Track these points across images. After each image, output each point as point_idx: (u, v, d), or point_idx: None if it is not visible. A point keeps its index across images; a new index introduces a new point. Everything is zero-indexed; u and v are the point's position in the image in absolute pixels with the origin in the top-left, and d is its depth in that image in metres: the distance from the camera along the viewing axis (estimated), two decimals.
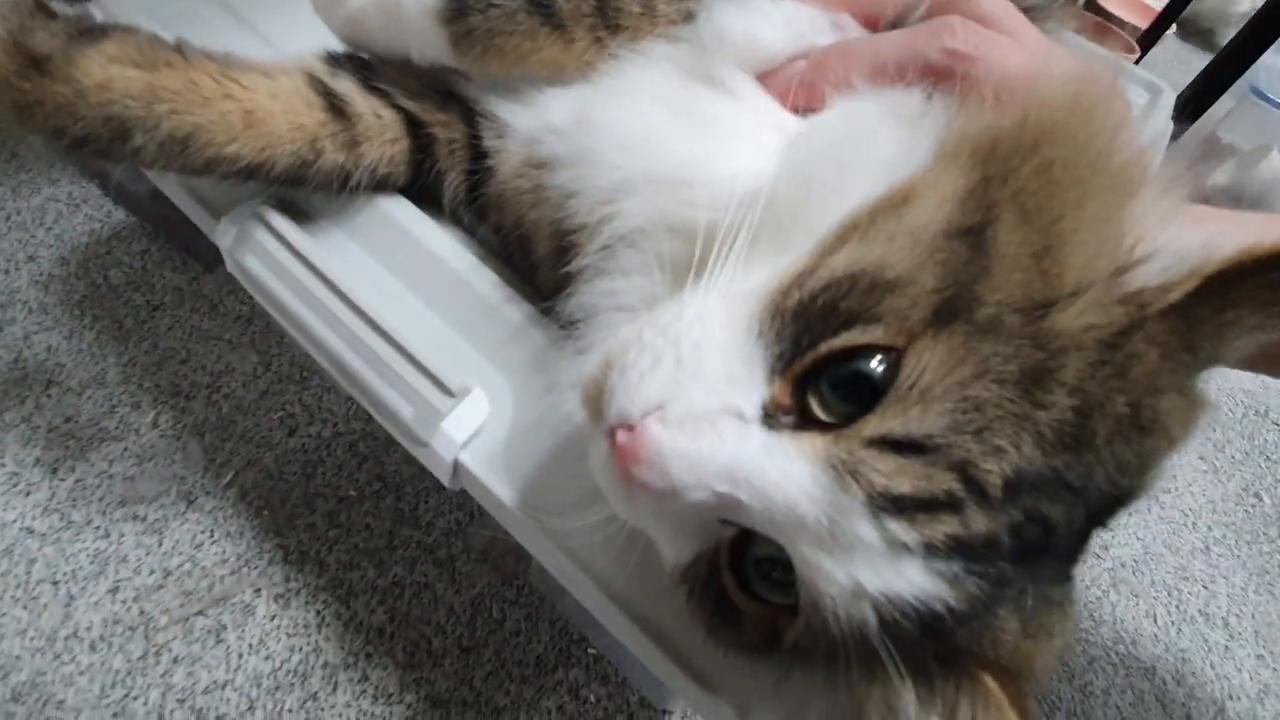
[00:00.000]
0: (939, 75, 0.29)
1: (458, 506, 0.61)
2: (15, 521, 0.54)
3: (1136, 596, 0.75)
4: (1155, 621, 0.73)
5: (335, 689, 0.52)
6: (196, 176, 0.34)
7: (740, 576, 0.27)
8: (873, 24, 0.32)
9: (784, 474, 0.23)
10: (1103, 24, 1.42)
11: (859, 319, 0.23)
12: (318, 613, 0.54)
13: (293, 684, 0.51)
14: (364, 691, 0.52)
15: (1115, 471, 0.23)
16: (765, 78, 0.31)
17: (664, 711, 0.57)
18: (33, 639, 0.50)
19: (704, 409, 0.23)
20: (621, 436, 0.23)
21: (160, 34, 0.32)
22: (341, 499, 0.60)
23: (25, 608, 0.51)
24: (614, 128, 0.29)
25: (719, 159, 0.28)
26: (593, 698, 0.55)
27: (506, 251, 0.38)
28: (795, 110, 0.30)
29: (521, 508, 0.34)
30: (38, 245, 0.68)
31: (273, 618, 0.53)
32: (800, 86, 0.30)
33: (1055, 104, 0.25)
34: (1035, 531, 0.23)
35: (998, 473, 0.22)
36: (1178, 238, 0.25)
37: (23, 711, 0.47)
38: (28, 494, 0.55)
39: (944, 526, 0.22)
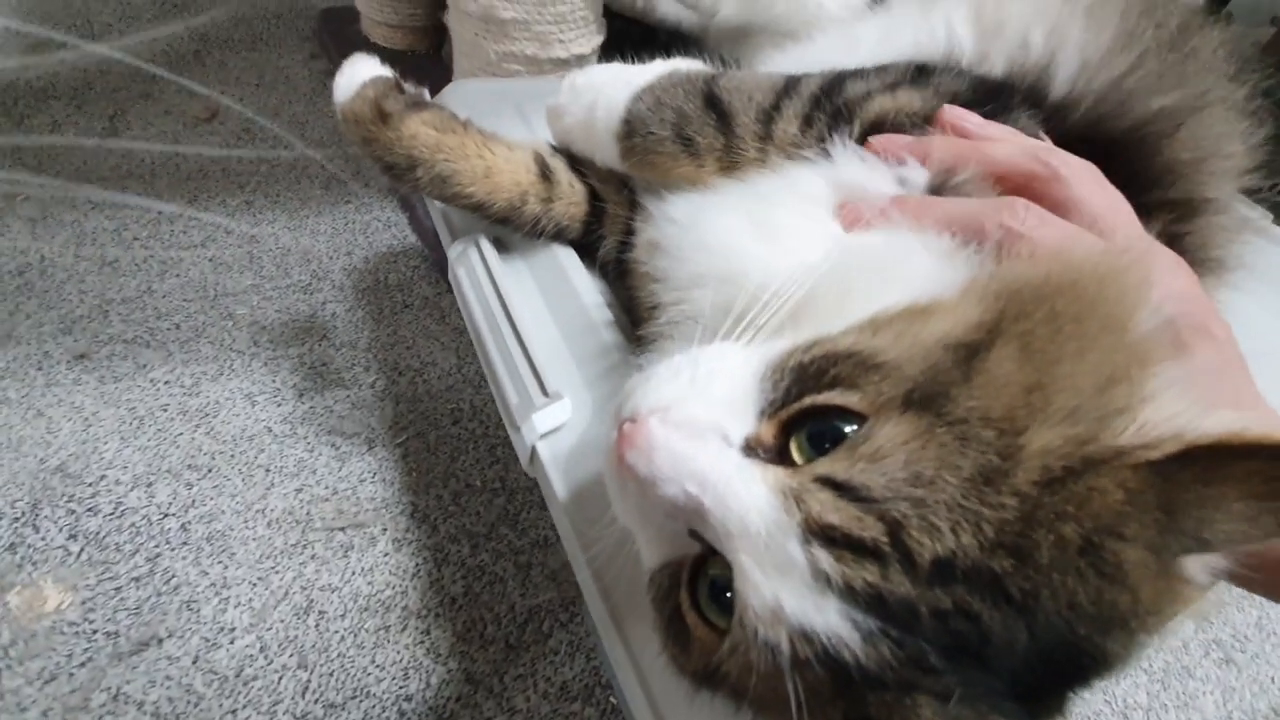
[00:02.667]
0: (989, 242, 0.33)
1: (550, 527, 0.70)
2: (264, 420, 0.74)
3: None
4: None
5: (404, 630, 0.61)
6: (446, 204, 0.49)
7: (695, 596, 0.29)
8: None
9: (745, 491, 0.25)
10: None
11: (842, 384, 0.26)
12: (416, 565, 0.65)
13: (377, 611, 0.62)
14: (422, 642, 0.61)
15: (1067, 608, 0.23)
16: (848, 203, 0.37)
17: None
18: (237, 502, 0.67)
19: (699, 421, 0.27)
20: (627, 426, 0.27)
21: (458, 114, 0.49)
22: (468, 485, 0.72)
23: (243, 480, 0.69)
24: (701, 229, 0.38)
25: (779, 260, 0.34)
26: None
27: (627, 307, 0.48)
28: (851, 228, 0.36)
29: (567, 504, 0.41)
30: (354, 245, 0.95)
31: (385, 555, 0.65)
32: (874, 213, 0.36)
33: (1077, 267, 0.28)
34: (965, 626, 0.23)
35: (929, 548, 0.23)
36: (1182, 412, 0.25)
37: (209, 549, 0.64)
38: (279, 405, 0.76)
39: (865, 574, 0.23)
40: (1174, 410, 0.25)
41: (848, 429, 0.26)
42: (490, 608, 0.64)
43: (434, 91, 0.67)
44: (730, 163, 0.40)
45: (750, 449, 0.27)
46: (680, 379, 0.29)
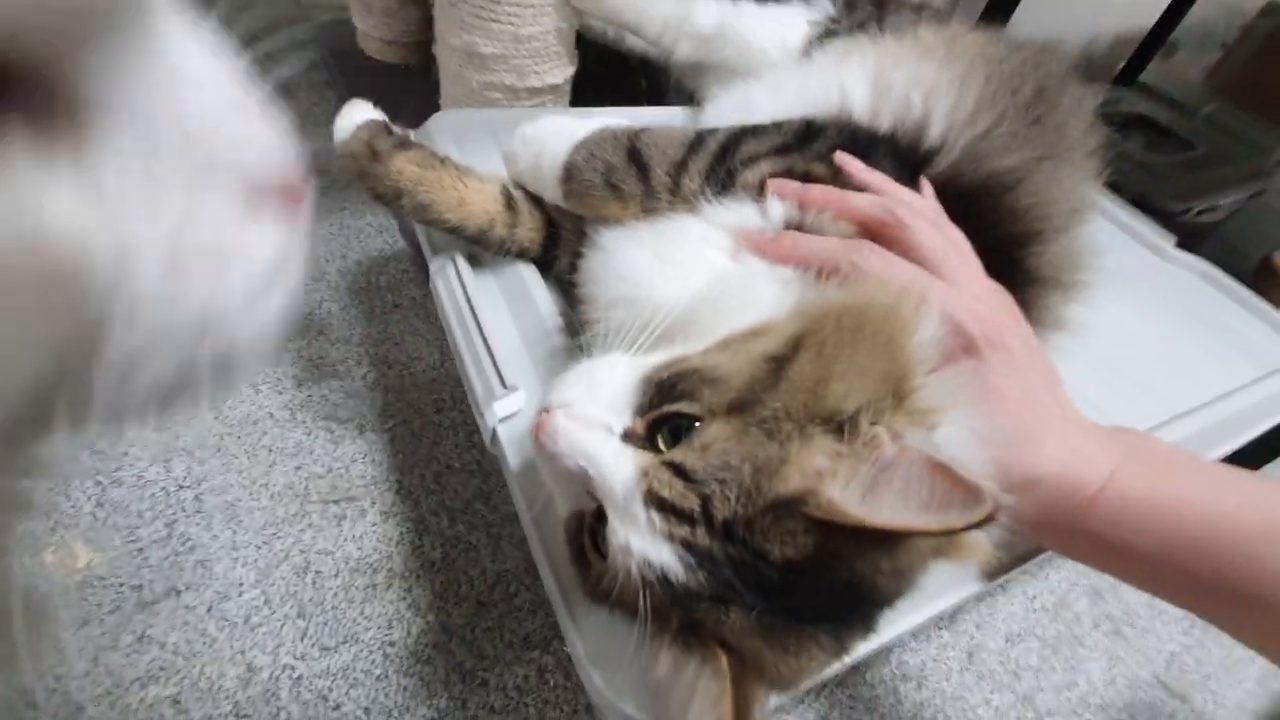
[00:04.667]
0: (840, 275, 0.42)
1: None
2: (267, 407, 0.83)
3: None
4: None
5: (389, 588, 0.71)
6: (428, 227, 0.59)
7: (594, 537, 0.39)
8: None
9: (617, 467, 0.36)
10: None
11: (686, 397, 0.36)
12: (400, 534, 0.75)
13: (366, 572, 0.71)
14: (404, 599, 0.70)
15: (827, 572, 0.33)
16: (743, 236, 0.47)
17: None
18: (243, 478, 0.76)
19: (592, 415, 0.38)
20: (542, 415, 0.38)
21: (438, 150, 0.58)
22: (448, 466, 0.81)
23: (248, 459, 0.78)
24: (618, 260, 0.48)
25: (676, 287, 0.44)
26: (552, 683, 0.68)
27: (578, 317, 0.57)
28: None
29: (519, 475, 0.51)
30: (348, 249, 1.04)
31: (373, 525, 0.75)
32: (753, 245, 0.45)
33: (867, 293, 0.38)
34: (753, 568, 0.33)
35: (721, 514, 0.33)
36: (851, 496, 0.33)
37: (220, 517, 0.73)
38: (280, 393, 0.85)
39: (681, 531, 0.34)
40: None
41: (693, 425, 0.36)
42: (464, 571, 0.73)
43: (422, 112, 0.76)
44: (650, 206, 0.50)
45: (627, 437, 0.37)
46: (581, 383, 0.39)
